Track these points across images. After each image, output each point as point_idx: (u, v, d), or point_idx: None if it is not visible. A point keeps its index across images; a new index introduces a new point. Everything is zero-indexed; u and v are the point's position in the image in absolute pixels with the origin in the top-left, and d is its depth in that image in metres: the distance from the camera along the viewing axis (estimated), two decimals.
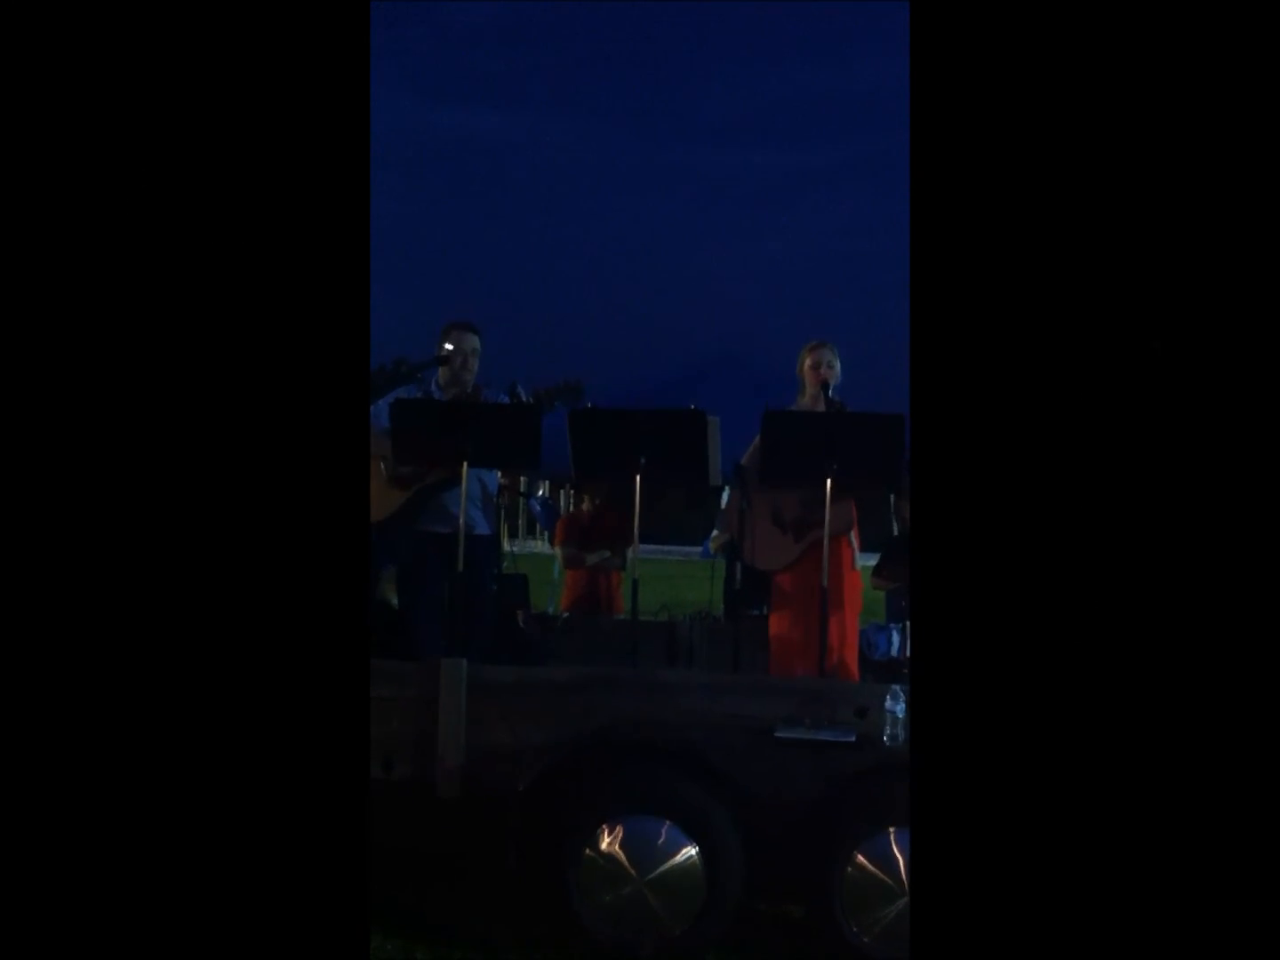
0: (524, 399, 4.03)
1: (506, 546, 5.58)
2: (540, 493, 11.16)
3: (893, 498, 4.92)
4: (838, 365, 4.20)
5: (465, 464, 3.74)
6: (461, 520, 3.79)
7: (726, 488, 4.95)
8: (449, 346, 4.16)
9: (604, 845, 3.02)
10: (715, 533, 5.89)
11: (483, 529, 4.16)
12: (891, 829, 2.96)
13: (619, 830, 3.02)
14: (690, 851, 3.01)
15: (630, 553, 5.61)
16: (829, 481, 3.65)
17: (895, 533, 6.46)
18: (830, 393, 4.10)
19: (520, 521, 14.85)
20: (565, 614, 5.44)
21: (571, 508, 7.44)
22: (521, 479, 5.90)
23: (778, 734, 3.11)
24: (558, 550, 5.97)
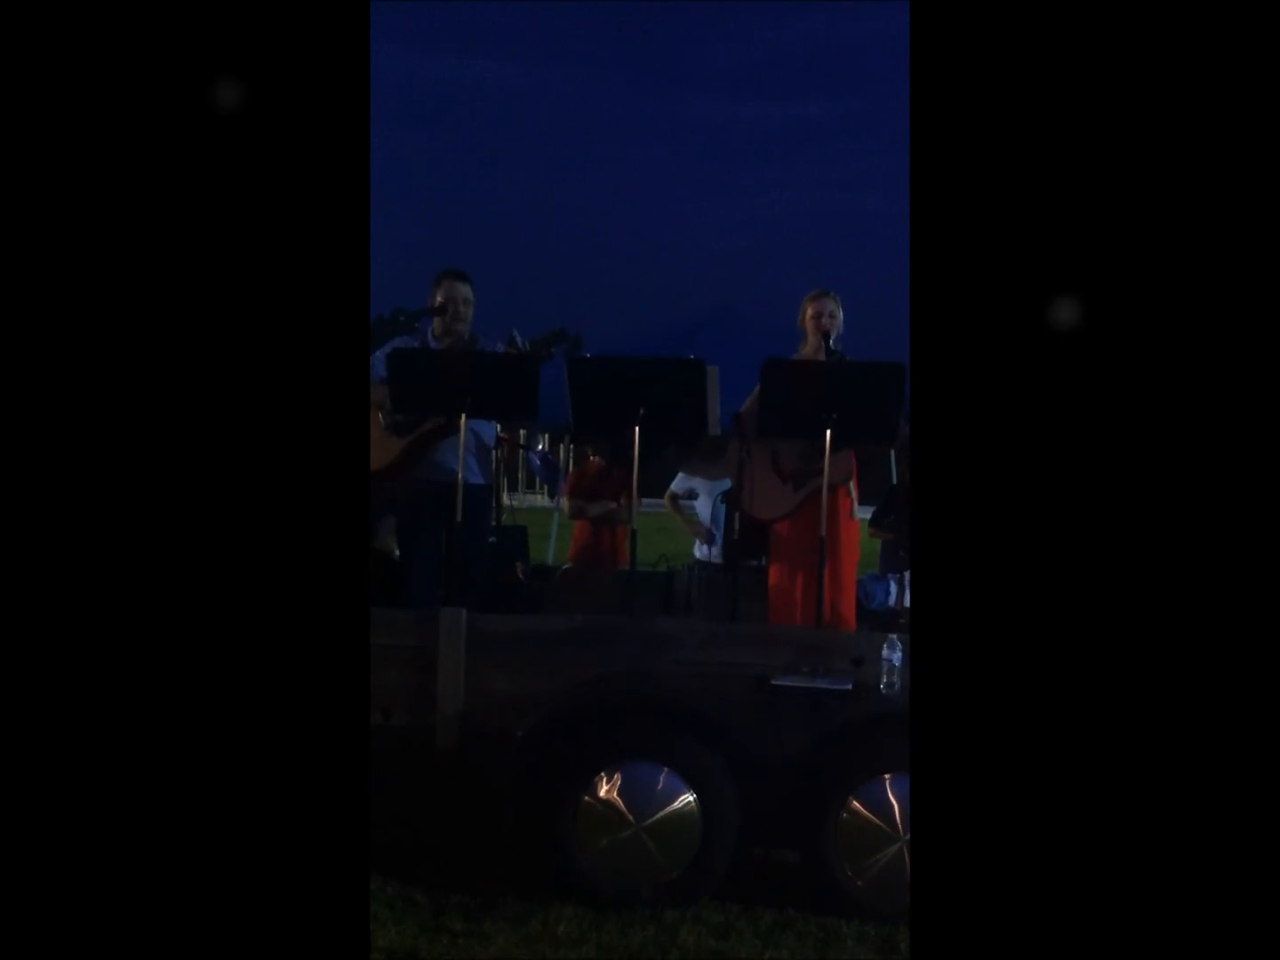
0: (521, 349, 3.99)
1: (506, 499, 5.56)
2: (540, 446, 11.15)
3: (892, 448, 4.91)
4: (840, 315, 4.16)
5: (463, 414, 3.73)
6: (460, 471, 3.79)
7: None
8: (441, 297, 4.13)
9: (602, 792, 3.05)
10: (677, 481, 5.78)
11: (477, 479, 4.15)
12: (886, 776, 2.99)
13: (617, 777, 3.05)
14: (687, 798, 3.04)
15: (624, 502, 5.60)
16: (828, 431, 3.64)
17: (894, 483, 6.46)
18: (832, 343, 4.07)
19: (520, 474, 14.86)
20: (566, 565, 5.45)
21: (573, 462, 7.41)
22: (521, 431, 5.87)
23: (775, 682, 3.12)
24: (565, 502, 5.95)
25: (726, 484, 4.96)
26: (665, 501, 5.90)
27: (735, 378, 3.96)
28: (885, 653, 3.09)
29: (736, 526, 4.31)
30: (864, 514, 4.63)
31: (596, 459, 5.87)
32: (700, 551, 5.76)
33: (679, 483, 5.84)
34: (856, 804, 3.01)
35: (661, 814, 3.04)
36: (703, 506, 5.72)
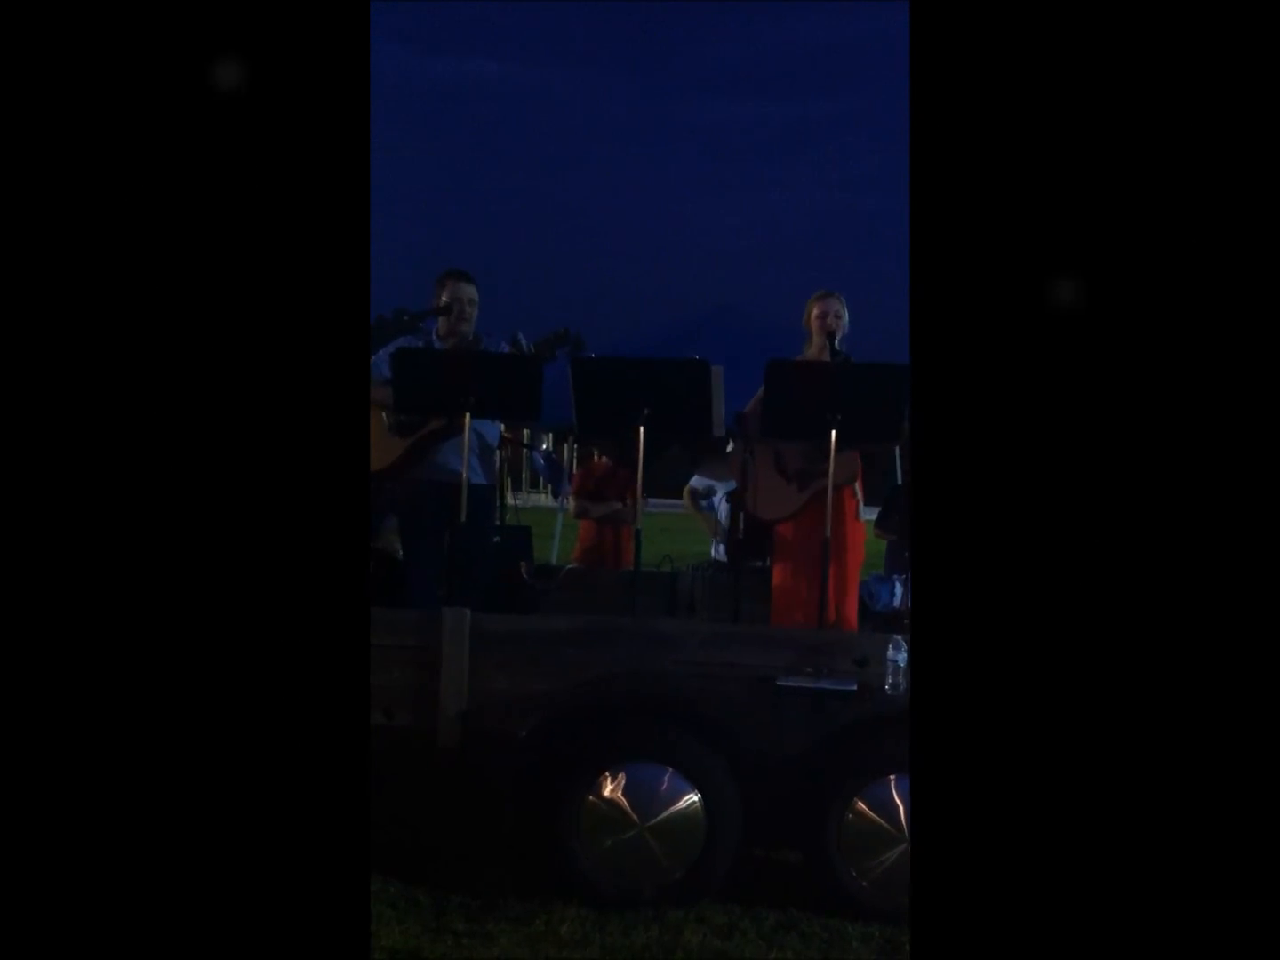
0: (525, 349, 4.00)
1: (510, 499, 5.56)
2: (544, 446, 11.13)
3: (897, 449, 4.90)
4: (845, 316, 4.15)
5: (467, 414, 3.73)
6: (464, 471, 3.79)
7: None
8: (446, 297, 4.13)
9: (605, 792, 3.05)
10: (697, 479, 5.79)
11: (481, 479, 4.15)
12: (891, 776, 2.99)
13: (620, 777, 3.05)
14: (691, 798, 3.04)
15: (629, 502, 5.61)
16: (833, 432, 3.63)
17: (898, 484, 6.45)
18: (837, 344, 4.06)
19: (524, 474, 14.85)
20: (570, 565, 5.44)
21: (577, 461, 7.41)
22: (525, 431, 5.87)
23: (779, 682, 3.12)
24: (571, 502, 5.95)
25: None
26: (684, 498, 5.90)
27: (737, 378, 3.96)
28: (890, 653, 3.08)
29: (741, 527, 4.31)
30: (870, 515, 4.62)
31: (603, 459, 5.87)
32: (717, 550, 5.75)
33: (698, 480, 5.84)
34: (861, 804, 3.01)
35: (664, 814, 3.04)
36: (720, 505, 5.72)
